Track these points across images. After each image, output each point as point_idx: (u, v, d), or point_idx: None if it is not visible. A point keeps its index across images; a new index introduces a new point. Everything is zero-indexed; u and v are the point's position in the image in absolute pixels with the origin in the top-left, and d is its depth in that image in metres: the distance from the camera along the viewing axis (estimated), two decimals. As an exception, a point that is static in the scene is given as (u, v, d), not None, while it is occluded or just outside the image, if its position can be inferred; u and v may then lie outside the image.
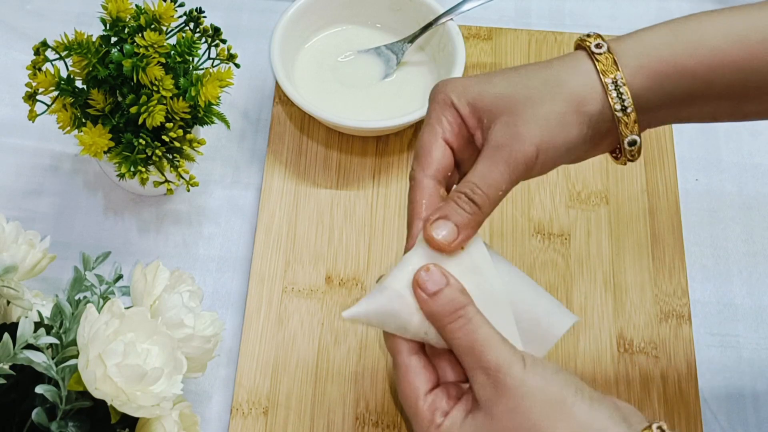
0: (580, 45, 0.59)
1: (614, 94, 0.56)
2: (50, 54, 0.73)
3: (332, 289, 0.80)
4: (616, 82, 0.56)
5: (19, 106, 0.74)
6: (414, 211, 0.57)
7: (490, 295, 0.55)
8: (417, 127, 0.87)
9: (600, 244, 0.82)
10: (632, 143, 0.58)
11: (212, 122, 0.75)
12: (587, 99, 0.56)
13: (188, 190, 0.77)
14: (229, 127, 0.77)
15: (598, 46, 0.57)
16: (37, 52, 0.73)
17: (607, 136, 0.58)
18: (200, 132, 0.81)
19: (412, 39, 0.88)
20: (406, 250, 0.57)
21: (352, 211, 0.83)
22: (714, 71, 0.57)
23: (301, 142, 0.86)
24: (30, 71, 0.73)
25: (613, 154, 0.61)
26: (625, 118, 0.57)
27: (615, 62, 0.56)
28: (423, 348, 0.56)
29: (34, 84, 0.73)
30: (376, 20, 0.90)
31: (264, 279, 0.80)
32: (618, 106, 0.56)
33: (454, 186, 0.58)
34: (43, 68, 0.73)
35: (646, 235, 0.83)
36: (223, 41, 0.77)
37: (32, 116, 0.74)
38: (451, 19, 0.86)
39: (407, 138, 0.87)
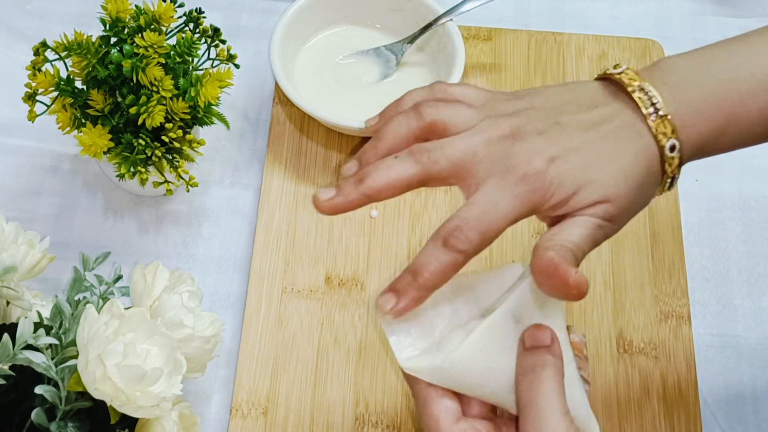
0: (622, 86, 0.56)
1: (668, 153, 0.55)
2: (50, 54, 0.73)
3: (332, 289, 0.80)
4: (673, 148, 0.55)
5: (18, 107, 0.74)
6: None
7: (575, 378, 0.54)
8: (417, 127, 0.87)
9: (599, 245, 0.82)
10: (673, 148, 0.55)
11: (212, 123, 0.75)
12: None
13: (188, 191, 0.77)
14: (228, 127, 0.77)
15: (654, 108, 0.55)
16: (36, 53, 0.73)
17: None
18: (200, 132, 0.81)
19: (412, 39, 0.88)
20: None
21: (352, 211, 0.83)
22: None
23: (300, 143, 0.86)
24: (30, 71, 0.73)
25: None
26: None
27: (674, 130, 0.55)
28: None
29: (33, 84, 0.73)
30: (376, 21, 0.90)
31: (264, 279, 0.80)
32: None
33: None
34: (43, 69, 0.73)
35: (645, 235, 0.83)
36: (223, 42, 0.77)
37: (32, 117, 0.74)
38: (451, 19, 0.86)
39: (407, 138, 0.87)
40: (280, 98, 0.89)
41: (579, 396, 0.54)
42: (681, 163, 0.56)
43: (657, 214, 0.84)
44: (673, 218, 0.84)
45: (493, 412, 0.55)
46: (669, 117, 0.55)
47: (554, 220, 0.55)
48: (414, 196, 0.84)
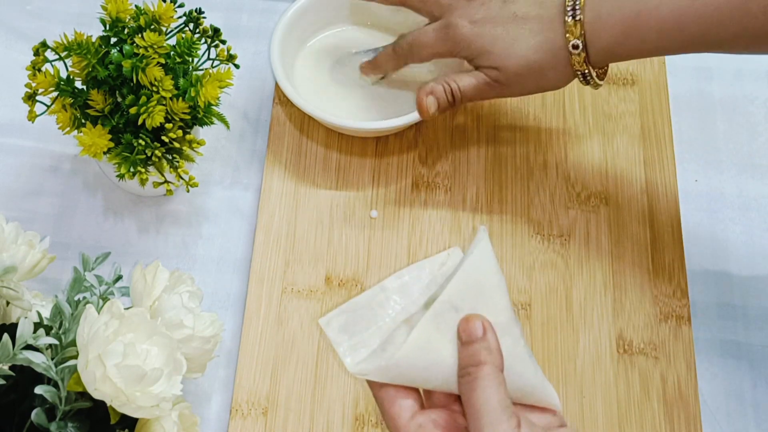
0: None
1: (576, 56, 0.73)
2: (50, 54, 0.73)
3: (332, 289, 0.80)
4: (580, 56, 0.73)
5: (18, 107, 0.74)
6: None
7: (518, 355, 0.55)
8: (416, 128, 0.87)
9: (599, 245, 0.82)
10: (576, 47, 0.72)
11: (212, 123, 0.75)
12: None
13: (188, 191, 0.77)
14: (228, 127, 0.77)
15: (573, 13, 0.71)
16: (36, 53, 0.73)
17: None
18: (200, 132, 0.81)
19: (412, 40, 0.88)
20: None
21: (352, 211, 0.83)
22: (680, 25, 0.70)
23: (300, 143, 0.86)
24: (30, 72, 0.73)
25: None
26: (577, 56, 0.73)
27: (582, 34, 0.71)
28: None
29: (33, 84, 0.73)
30: (376, 21, 0.90)
31: (263, 280, 0.80)
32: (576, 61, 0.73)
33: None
34: (43, 69, 0.73)
35: (645, 236, 0.83)
36: (223, 42, 0.77)
37: (32, 117, 0.74)
38: (451, 19, 0.86)
39: (407, 138, 0.87)
40: (280, 98, 0.89)
41: (532, 370, 0.54)
42: (588, 62, 0.72)
43: (657, 214, 0.84)
44: (673, 218, 0.84)
45: (455, 396, 0.56)
46: (582, 21, 0.71)
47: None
48: (414, 196, 0.84)
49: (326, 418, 0.74)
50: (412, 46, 0.78)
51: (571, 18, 0.71)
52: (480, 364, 0.52)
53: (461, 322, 0.53)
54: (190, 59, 0.75)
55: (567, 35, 0.71)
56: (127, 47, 0.72)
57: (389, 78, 0.87)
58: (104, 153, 0.73)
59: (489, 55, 0.73)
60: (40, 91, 0.73)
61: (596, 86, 0.75)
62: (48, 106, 0.74)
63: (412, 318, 0.55)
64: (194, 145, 0.74)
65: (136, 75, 0.71)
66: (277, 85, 0.89)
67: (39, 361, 0.59)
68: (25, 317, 0.62)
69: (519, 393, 0.54)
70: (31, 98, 0.73)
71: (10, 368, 0.61)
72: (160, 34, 0.72)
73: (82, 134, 0.72)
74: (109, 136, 0.72)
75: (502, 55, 0.73)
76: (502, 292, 0.55)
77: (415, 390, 0.55)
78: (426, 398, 0.56)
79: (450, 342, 0.53)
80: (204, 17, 0.76)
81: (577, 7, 0.71)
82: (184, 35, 0.75)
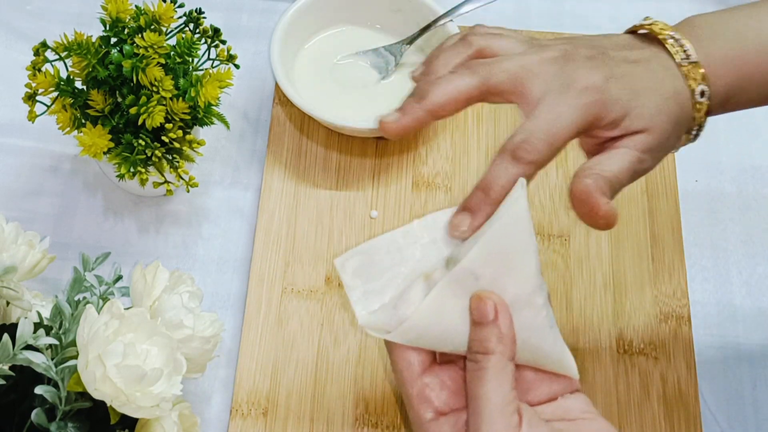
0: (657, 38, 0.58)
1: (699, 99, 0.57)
2: (50, 55, 0.73)
3: (332, 289, 0.80)
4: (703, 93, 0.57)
5: (18, 107, 0.74)
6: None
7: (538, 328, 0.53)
8: (417, 127, 0.87)
9: (599, 245, 0.82)
10: (703, 93, 0.57)
11: (212, 123, 0.75)
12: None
13: (188, 191, 0.77)
14: (228, 127, 0.77)
15: (685, 54, 0.57)
16: (36, 53, 0.73)
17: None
18: (200, 133, 0.81)
19: (411, 40, 0.88)
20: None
21: (352, 211, 0.83)
22: None
23: (300, 143, 0.86)
24: (30, 72, 0.73)
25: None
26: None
27: (704, 77, 0.57)
28: None
29: (33, 85, 0.73)
30: (376, 21, 0.90)
31: (263, 280, 0.80)
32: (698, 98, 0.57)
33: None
34: (43, 69, 0.73)
35: (645, 236, 0.83)
36: (223, 42, 0.77)
37: (32, 117, 0.74)
38: (451, 20, 0.86)
39: (406, 139, 0.87)
40: (280, 98, 0.89)
41: (550, 341, 0.53)
42: (708, 112, 0.58)
43: (657, 214, 0.84)
44: (673, 218, 0.84)
45: None
46: (699, 63, 0.57)
47: (595, 150, 0.57)
48: (414, 196, 0.84)
49: (326, 418, 0.74)
50: (549, 141, 0.53)
51: (686, 61, 0.57)
52: (488, 353, 0.51)
53: (473, 299, 0.51)
54: (190, 59, 0.75)
55: (690, 81, 0.57)
56: (127, 47, 0.72)
57: (389, 78, 0.88)
58: (104, 153, 0.73)
59: (639, 112, 0.55)
60: (40, 91, 0.73)
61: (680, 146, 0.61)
62: (48, 106, 0.74)
63: (432, 275, 0.53)
64: (194, 145, 0.74)
65: (136, 75, 0.71)
66: (277, 85, 0.89)
67: (39, 361, 0.59)
68: (25, 317, 0.62)
69: (535, 364, 0.53)
70: (31, 98, 0.73)
71: (10, 368, 0.61)
72: (160, 34, 0.72)
73: (82, 134, 0.72)
74: (109, 136, 0.72)
75: (651, 110, 0.55)
76: (530, 256, 0.52)
77: None
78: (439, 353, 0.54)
79: (465, 310, 0.51)
80: (204, 17, 0.76)
81: (686, 48, 0.57)
82: (184, 35, 0.75)
